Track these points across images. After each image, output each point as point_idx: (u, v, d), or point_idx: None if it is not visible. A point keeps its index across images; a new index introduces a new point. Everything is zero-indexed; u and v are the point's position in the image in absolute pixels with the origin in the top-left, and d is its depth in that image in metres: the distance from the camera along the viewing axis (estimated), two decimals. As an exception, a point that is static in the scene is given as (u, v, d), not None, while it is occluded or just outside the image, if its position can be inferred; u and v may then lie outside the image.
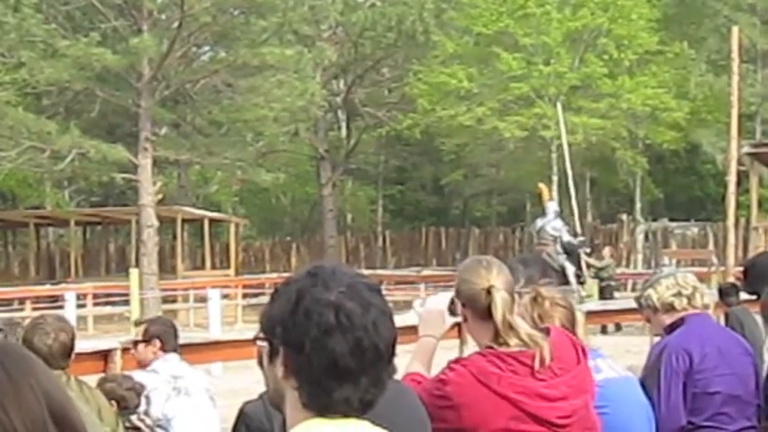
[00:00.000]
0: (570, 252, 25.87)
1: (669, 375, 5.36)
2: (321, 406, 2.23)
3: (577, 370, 3.81)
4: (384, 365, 2.26)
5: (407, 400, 3.48)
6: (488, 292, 3.73)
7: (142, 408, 6.73)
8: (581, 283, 25.45)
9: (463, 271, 3.88)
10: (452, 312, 3.95)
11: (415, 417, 3.47)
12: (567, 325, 4.50)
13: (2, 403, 1.84)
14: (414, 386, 3.73)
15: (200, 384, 7.11)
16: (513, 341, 3.70)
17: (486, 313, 3.74)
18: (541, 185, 29.23)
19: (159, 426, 6.81)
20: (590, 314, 13.37)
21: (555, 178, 37.06)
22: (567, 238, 26.26)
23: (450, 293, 3.96)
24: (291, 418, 2.28)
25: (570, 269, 25.63)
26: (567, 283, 22.91)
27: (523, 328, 3.75)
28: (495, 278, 3.76)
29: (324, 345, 2.19)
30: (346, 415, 2.24)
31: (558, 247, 25.66)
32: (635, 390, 5.15)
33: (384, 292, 2.38)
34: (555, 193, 35.42)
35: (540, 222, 26.43)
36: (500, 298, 3.71)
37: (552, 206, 27.12)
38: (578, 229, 27.83)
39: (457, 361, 3.82)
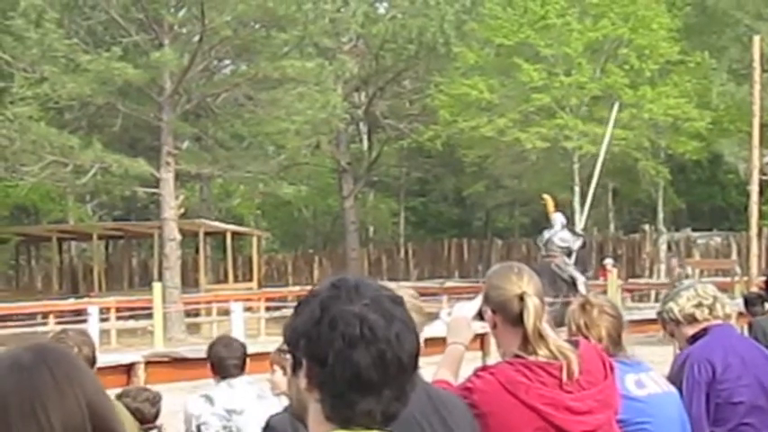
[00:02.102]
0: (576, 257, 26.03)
1: (691, 386, 5.35)
2: (344, 418, 2.23)
3: (604, 385, 3.80)
4: (407, 378, 2.26)
5: (459, 413, 3.54)
6: (521, 298, 3.74)
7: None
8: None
9: (493, 277, 3.87)
10: (481, 318, 3.94)
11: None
12: (614, 334, 4.52)
13: (45, 407, 1.88)
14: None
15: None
16: (542, 351, 3.70)
17: (517, 320, 3.74)
18: (546, 197, 29.33)
19: None
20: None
21: (577, 189, 37.05)
22: (576, 247, 26.36)
23: (476, 301, 3.96)
24: (314, 430, 2.29)
25: (580, 279, 25.70)
26: (576, 292, 22.91)
27: (552, 338, 3.75)
28: (526, 285, 3.77)
29: (347, 357, 2.19)
30: (369, 428, 2.23)
31: (567, 258, 25.72)
32: (675, 404, 5.10)
33: (407, 305, 2.38)
34: (577, 204, 35.43)
35: (546, 234, 26.50)
36: (532, 304, 3.72)
37: (558, 218, 27.23)
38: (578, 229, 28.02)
39: (484, 368, 3.81)
